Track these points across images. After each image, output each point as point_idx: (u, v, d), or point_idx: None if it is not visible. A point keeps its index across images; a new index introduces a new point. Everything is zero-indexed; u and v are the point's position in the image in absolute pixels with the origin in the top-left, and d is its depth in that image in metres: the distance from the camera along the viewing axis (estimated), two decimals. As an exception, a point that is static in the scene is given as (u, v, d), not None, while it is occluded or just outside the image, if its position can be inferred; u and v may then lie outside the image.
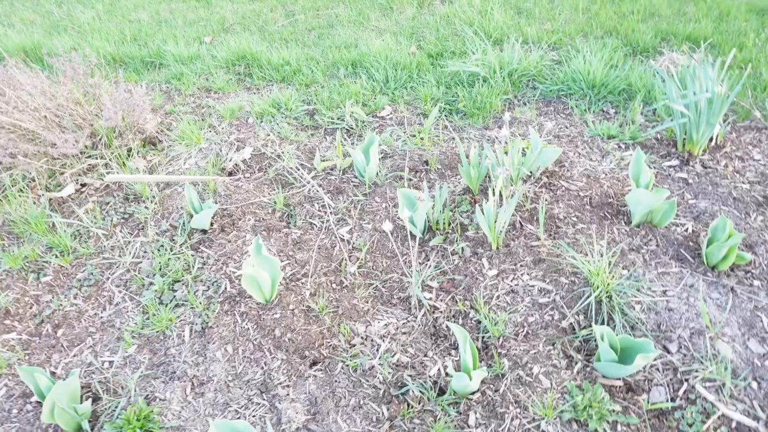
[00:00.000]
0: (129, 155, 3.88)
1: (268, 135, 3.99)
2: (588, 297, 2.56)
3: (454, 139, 3.79)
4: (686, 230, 2.92)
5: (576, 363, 2.42)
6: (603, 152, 3.47)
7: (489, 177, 3.30)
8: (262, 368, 2.52)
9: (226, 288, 2.88)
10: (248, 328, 2.68)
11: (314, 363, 2.54)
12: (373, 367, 2.45)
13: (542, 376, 2.33)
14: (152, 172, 3.80)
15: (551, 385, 2.31)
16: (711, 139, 3.43)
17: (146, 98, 3.69)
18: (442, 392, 2.38)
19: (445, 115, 4.08)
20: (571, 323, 2.53)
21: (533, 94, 4.23)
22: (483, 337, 2.57)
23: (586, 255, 2.79)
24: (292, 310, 2.70)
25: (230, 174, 3.74)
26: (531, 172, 3.20)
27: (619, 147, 3.52)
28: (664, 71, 3.31)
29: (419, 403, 2.30)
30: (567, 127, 3.75)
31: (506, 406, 2.26)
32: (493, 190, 3.19)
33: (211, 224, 3.28)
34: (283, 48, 5.29)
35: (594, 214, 2.99)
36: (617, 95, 3.96)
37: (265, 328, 2.64)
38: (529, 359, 2.40)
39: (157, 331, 2.73)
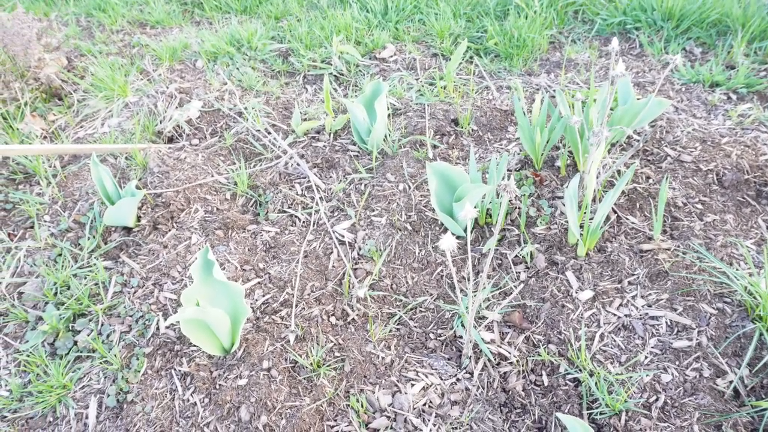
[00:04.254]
0: (20, 114, 2.67)
1: (225, 84, 2.82)
2: (755, 338, 1.56)
3: (488, 88, 2.69)
4: None
5: (758, 460, 1.43)
6: (709, 106, 2.43)
7: (556, 144, 2.24)
8: (220, 482, 1.46)
9: (158, 328, 1.78)
10: (195, 403, 1.59)
11: (310, 468, 1.49)
12: (412, 475, 1.41)
13: (718, 497, 1.34)
14: (55, 140, 2.61)
15: None
16: None
17: (34, 25, 2.46)
18: None
19: (470, 57, 2.97)
20: (732, 384, 1.53)
21: (585, 29, 3.15)
22: (590, 412, 1.55)
23: (731, 264, 1.77)
24: (268, 369, 1.63)
25: (170, 140, 2.58)
26: (630, 137, 2.15)
27: (729, 98, 2.49)
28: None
29: None
30: (645, 72, 2.69)
31: None
32: (572, 161, 2.12)
33: (138, 219, 2.15)
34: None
35: (727, 199, 1.97)
36: (705, 29, 2.91)
37: (224, 404, 1.57)
38: (685, 460, 1.40)
39: (43, 409, 1.63)
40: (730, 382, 1.53)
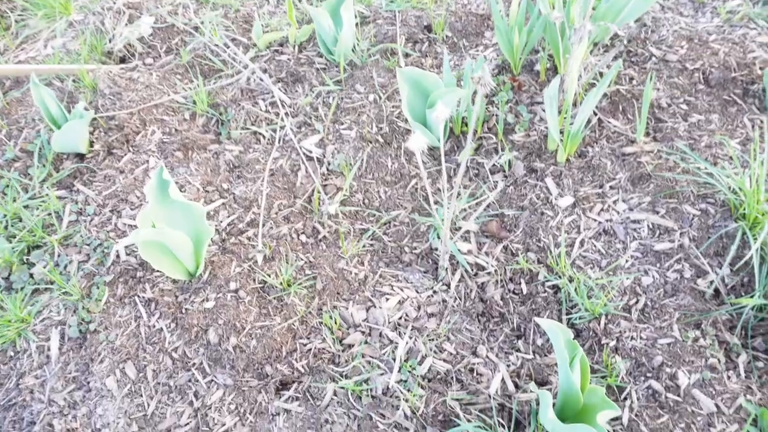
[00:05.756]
0: (-46, 38, 2.44)
1: (178, -2, 2.59)
2: (738, 237, 1.51)
3: (463, -9, 2.50)
4: None
5: (738, 355, 1.41)
6: (696, 3, 2.29)
7: (535, 47, 2.09)
8: (191, 404, 1.41)
9: (118, 256, 1.68)
10: (161, 329, 1.53)
11: (283, 386, 1.45)
12: (389, 387, 1.38)
13: (698, 392, 1.32)
14: (-5, 64, 2.40)
15: (718, 408, 1.30)
16: None
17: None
18: (519, 425, 1.35)
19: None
20: (713, 284, 1.50)
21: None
22: (570, 317, 1.51)
23: (715, 164, 1.70)
24: (236, 291, 1.55)
25: (121, 61, 2.39)
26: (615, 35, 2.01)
27: (717, -8, 2.34)
28: None
29: (484, 460, 1.26)
30: (628, -33, 2.52)
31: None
32: (551, 64, 2.00)
33: (91, 144, 2.00)
34: None
35: (713, 98, 1.87)
36: None
37: (191, 328, 1.50)
38: (665, 357, 1.37)
39: (2, 344, 1.55)
40: (711, 281, 1.50)
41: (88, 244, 1.72)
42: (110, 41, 2.41)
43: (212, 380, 1.43)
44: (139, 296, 1.59)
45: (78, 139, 1.92)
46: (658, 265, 1.55)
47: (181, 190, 1.80)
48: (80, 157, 2.00)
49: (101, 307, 1.58)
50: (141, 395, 1.43)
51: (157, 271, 1.62)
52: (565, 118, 1.72)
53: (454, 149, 1.89)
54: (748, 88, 1.91)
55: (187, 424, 1.38)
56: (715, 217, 1.59)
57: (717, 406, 1.30)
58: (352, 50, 2.20)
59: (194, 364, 1.46)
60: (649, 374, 1.36)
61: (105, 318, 1.56)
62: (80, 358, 1.51)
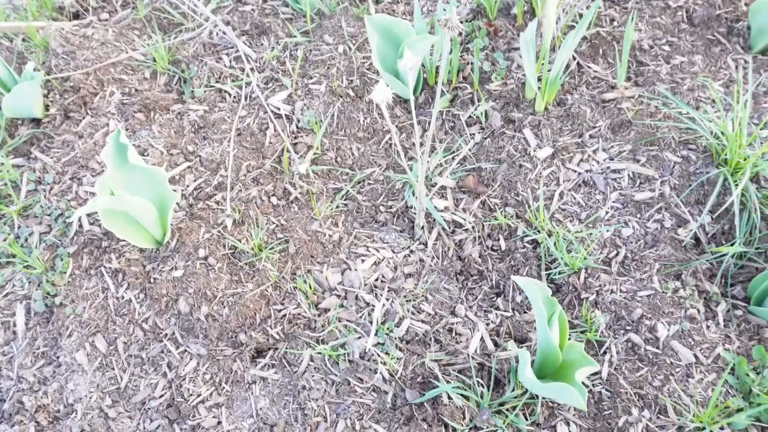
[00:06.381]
0: None
1: (131, -55, 2.41)
2: (719, 183, 1.48)
3: (436, -70, 2.36)
4: (839, 51, 1.80)
5: (717, 304, 1.40)
6: (680, -67, 2.17)
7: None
8: (165, 376, 1.38)
9: (81, 226, 1.61)
10: (130, 300, 1.48)
11: (259, 354, 1.42)
12: (366, 351, 1.35)
13: (677, 344, 1.31)
14: (-61, 24, 2.24)
15: (696, 359, 1.29)
16: None
17: None
18: (499, 384, 1.34)
19: None
20: (693, 232, 1.47)
21: None
22: (549, 273, 1.49)
23: (698, 109, 1.65)
24: (205, 258, 1.50)
25: (75, 17, 2.24)
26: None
27: (702, -77, 2.22)
28: None
29: (464, 419, 1.25)
30: None
31: (624, 409, 1.26)
32: (529, 6, 1.90)
33: (47, 108, 1.89)
34: None
35: (697, 38, 1.80)
36: None
37: (161, 298, 1.45)
38: (645, 310, 1.36)
39: (-37, 320, 1.50)
40: (692, 230, 1.47)
41: (49, 215, 1.65)
42: (61, -5, 2.25)
43: (185, 350, 1.40)
44: (105, 267, 1.53)
45: (31, 103, 1.81)
46: (638, 215, 1.51)
47: (143, 154, 1.72)
48: (36, 122, 1.89)
49: (66, 279, 1.52)
50: (113, 368, 1.39)
51: (123, 240, 1.55)
52: (543, 64, 1.64)
53: (429, 101, 1.81)
54: (733, 26, 1.83)
55: (162, 395, 1.36)
56: (696, 164, 1.55)
57: (695, 356, 1.29)
58: (320, -2, 2.07)
59: (166, 334, 1.42)
60: (628, 327, 1.35)
61: (71, 290, 1.50)
62: (48, 333, 1.46)
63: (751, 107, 1.65)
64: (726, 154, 1.50)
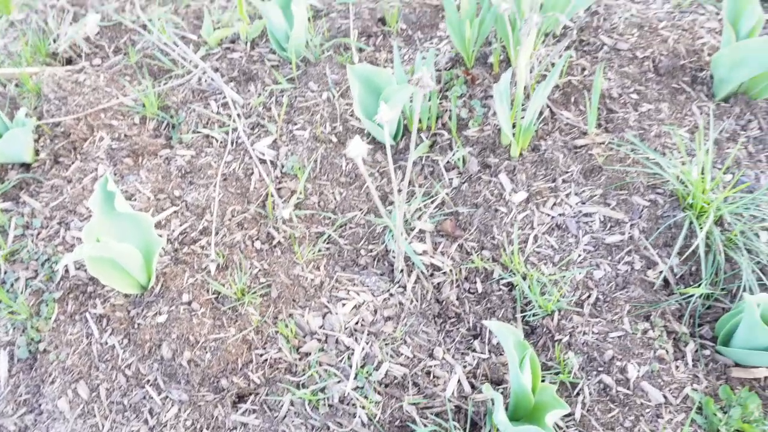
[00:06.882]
0: None
1: (124, -7, 2.50)
2: (685, 226, 1.54)
3: (417, -20, 2.46)
4: (798, 98, 1.89)
5: (686, 344, 1.45)
6: (648, -14, 2.29)
7: (488, 39, 2.08)
8: (146, 423, 1.40)
9: (68, 271, 1.64)
10: (113, 346, 1.50)
11: (240, 399, 1.44)
12: (345, 395, 1.38)
13: (646, 384, 1.35)
14: (-67, 69, 2.30)
15: (666, 399, 1.33)
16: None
17: None
18: (475, 427, 1.37)
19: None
20: (663, 274, 1.52)
21: None
22: (524, 315, 1.53)
23: (664, 155, 1.72)
24: (188, 303, 1.53)
25: (68, 62, 2.31)
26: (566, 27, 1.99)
27: (669, -24, 2.34)
28: None
29: (440, 463, 1.28)
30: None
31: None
32: (505, 56, 1.99)
33: (37, 153, 1.94)
34: None
35: (663, 87, 1.89)
36: None
37: (144, 344, 1.48)
38: (616, 351, 1.40)
39: (-52, 366, 1.51)
40: (660, 272, 1.53)
41: (36, 260, 1.68)
42: (54, 41, 2.33)
43: (167, 396, 1.42)
44: (90, 312, 1.56)
45: (22, 149, 1.86)
46: (609, 257, 1.57)
47: (131, 199, 1.76)
48: (25, 166, 1.94)
49: (51, 325, 1.54)
50: (94, 415, 1.41)
51: (108, 285, 1.58)
52: (517, 112, 1.72)
53: (408, 147, 1.87)
54: (697, 75, 1.93)
55: (143, 441, 1.37)
56: (664, 208, 1.61)
57: (665, 396, 1.33)
58: (305, 46, 2.16)
59: (148, 380, 1.44)
60: (600, 368, 1.39)
61: (55, 336, 1.52)
62: (30, 380, 1.48)
63: (714, 153, 1.73)
64: (691, 199, 1.57)
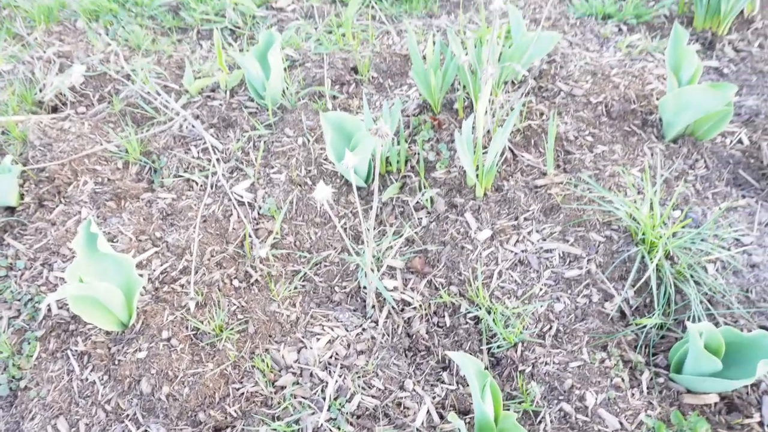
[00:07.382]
0: None
1: (109, 45, 2.62)
2: (638, 260, 1.65)
3: (389, 33, 2.63)
4: (739, 141, 2.05)
5: (641, 373, 1.54)
6: (601, 39, 2.48)
7: (453, 86, 2.23)
8: (124, 458, 1.43)
9: (50, 310, 1.69)
10: (94, 382, 1.54)
11: (217, 432, 1.48)
12: (319, 426, 1.44)
13: (603, 411, 1.43)
14: None
15: (621, 425, 1.41)
16: (741, 12, 2.53)
17: None
18: (441, 456, 1.43)
19: (370, 1, 2.89)
20: (618, 305, 1.63)
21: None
22: (489, 347, 1.61)
23: (617, 193, 1.85)
24: (168, 339, 1.59)
25: (53, 110, 2.40)
26: (523, 75, 2.15)
27: (620, 30, 2.54)
28: None
29: (409, 490, 1.33)
30: (542, 8, 2.70)
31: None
32: (469, 102, 2.13)
33: (21, 197, 2.01)
34: None
35: (615, 129, 2.03)
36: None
37: (124, 379, 1.53)
38: (575, 380, 1.48)
39: (-73, 407, 1.54)
40: (616, 304, 1.63)
41: (19, 300, 1.73)
42: (41, 91, 2.42)
43: (146, 430, 1.46)
44: (71, 350, 1.60)
45: (7, 193, 1.93)
46: (569, 291, 1.67)
47: (113, 241, 1.83)
48: (10, 210, 2.00)
49: (32, 362, 1.58)
50: (73, 451, 1.44)
51: (90, 323, 1.63)
52: (479, 154, 1.84)
53: (380, 188, 1.98)
54: (647, 118, 2.08)
55: (121, 477, 1.40)
56: (618, 243, 1.73)
57: (621, 423, 1.41)
58: (282, 94, 2.28)
59: (128, 415, 1.48)
60: (561, 397, 1.47)
61: (36, 374, 1.56)
62: (10, 417, 1.51)
63: (664, 191, 1.87)
64: (642, 234, 1.68)
